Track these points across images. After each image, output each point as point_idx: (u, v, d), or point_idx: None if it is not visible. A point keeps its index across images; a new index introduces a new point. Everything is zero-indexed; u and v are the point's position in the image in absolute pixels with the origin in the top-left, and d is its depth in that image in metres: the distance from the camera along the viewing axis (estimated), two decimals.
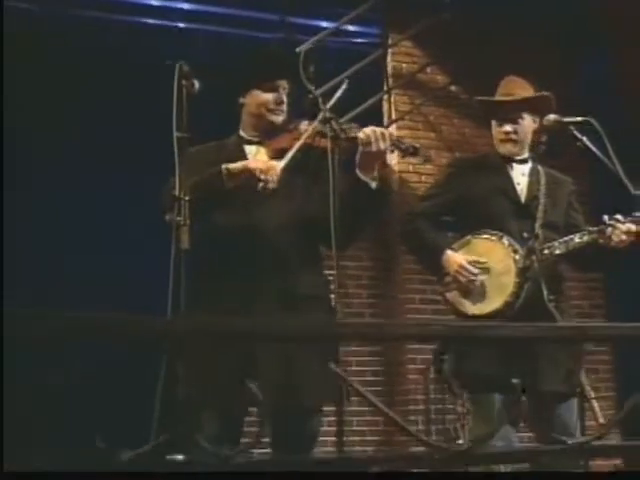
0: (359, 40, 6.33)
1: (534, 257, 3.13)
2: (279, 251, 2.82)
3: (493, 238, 3.19)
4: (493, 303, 3.13)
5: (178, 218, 2.25)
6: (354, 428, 5.45)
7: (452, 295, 3.24)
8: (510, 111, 3.30)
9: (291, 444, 2.74)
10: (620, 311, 6.28)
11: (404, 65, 6.24)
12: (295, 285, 2.83)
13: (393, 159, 6.16)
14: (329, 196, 2.60)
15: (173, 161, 2.42)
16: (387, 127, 6.09)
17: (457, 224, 3.40)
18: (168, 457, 2.52)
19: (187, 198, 2.29)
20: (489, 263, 3.17)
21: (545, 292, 3.08)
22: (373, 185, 2.81)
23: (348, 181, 2.78)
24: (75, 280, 4.75)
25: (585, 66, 6.62)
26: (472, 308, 3.19)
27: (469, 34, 6.12)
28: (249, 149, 2.97)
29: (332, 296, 2.85)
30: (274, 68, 2.93)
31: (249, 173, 2.74)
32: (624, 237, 3.05)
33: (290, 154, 2.73)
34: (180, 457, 2.08)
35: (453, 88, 6.30)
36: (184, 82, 2.55)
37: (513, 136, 3.29)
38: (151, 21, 5.69)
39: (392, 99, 6.16)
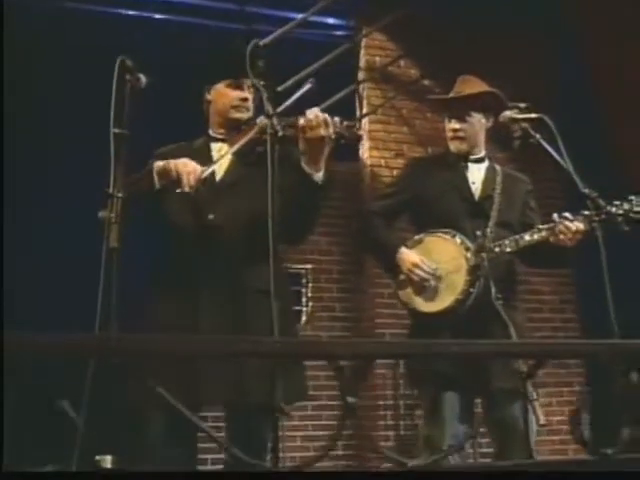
0: (333, 32, 6.30)
1: (484, 255, 3.13)
2: (230, 246, 2.81)
3: (446, 236, 3.21)
4: (444, 301, 3.14)
5: (110, 215, 2.23)
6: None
7: (404, 293, 3.27)
8: (458, 108, 3.32)
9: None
10: (590, 306, 6.30)
11: (377, 59, 6.22)
12: (245, 280, 2.80)
13: (365, 152, 6.15)
14: (274, 192, 2.52)
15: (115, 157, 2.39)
16: (359, 120, 6.09)
17: (411, 223, 3.42)
18: (97, 457, 2.54)
19: (120, 195, 2.27)
20: (441, 261, 3.19)
21: (493, 290, 3.07)
22: (318, 178, 2.73)
23: (293, 175, 2.70)
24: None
25: (563, 65, 6.62)
26: (424, 306, 3.20)
27: (443, 28, 6.10)
28: (214, 146, 2.96)
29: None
30: (238, 65, 2.82)
31: (168, 174, 2.71)
32: (571, 236, 3.04)
33: (222, 159, 2.79)
34: (108, 457, 2.09)
35: (426, 82, 6.28)
36: (128, 77, 2.52)
37: (460, 133, 3.33)
38: (122, 11, 5.66)
39: (364, 93, 6.13)
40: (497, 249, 3.14)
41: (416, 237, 3.29)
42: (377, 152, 6.08)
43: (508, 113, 3.19)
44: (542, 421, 2.74)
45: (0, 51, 4.63)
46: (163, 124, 2.98)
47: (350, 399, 1.60)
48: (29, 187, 4.82)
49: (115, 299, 2.12)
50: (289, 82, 4.91)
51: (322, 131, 2.67)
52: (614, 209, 3.12)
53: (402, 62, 6.26)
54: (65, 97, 4.86)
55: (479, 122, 3.33)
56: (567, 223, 3.05)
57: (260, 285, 2.67)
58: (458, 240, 3.18)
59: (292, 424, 5.45)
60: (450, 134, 3.36)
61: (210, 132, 3.02)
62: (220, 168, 2.86)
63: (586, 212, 3.02)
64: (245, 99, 2.93)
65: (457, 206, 3.26)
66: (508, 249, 3.15)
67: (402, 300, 3.28)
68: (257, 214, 2.67)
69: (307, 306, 6.00)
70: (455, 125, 3.34)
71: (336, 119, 2.70)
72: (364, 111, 6.09)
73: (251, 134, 2.74)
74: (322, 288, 5.97)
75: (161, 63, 3.05)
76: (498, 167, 3.39)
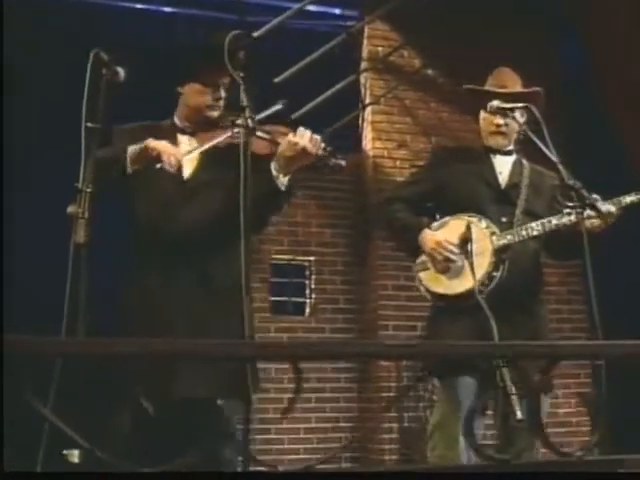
0: (338, 23, 6.25)
1: (510, 237, 3.09)
2: (198, 242, 2.81)
3: (472, 219, 3.14)
4: (466, 283, 3.06)
5: (78, 210, 2.21)
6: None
7: (425, 275, 3.18)
8: (505, 103, 3.23)
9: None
10: (599, 298, 6.24)
11: (380, 49, 6.17)
12: (213, 275, 2.82)
13: (368, 143, 6.12)
14: (247, 190, 2.53)
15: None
16: (363, 110, 6.07)
17: (436, 211, 3.34)
18: (65, 451, 2.54)
19: (89, 190, 2.25)
20: (465, 242, 3.11)
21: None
22: (282, 184, 2.78)
23: (260, 178, 2.68)
24: None
25: (563, 51, 6.56)
26: (445, 286, 3.13)
27: (445, 18, 6.05)
28: (182, 138, 2.92)
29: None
30: (215, 63, 2.77)
31: (147, 153, 2.69)
32: (602, 220, 2.97)
33: (200, 149, 2.77)
34: (75, 451, 2.08)
35: (430, 72, 6.23)
36: (104, 71, 2.50)
37: (504, 129, 3.24)
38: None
39: (367, 83, 6.09)
40: (524, 232, 3.08)
41: (441, 220, 3.23)
42: (380, 143, 6.04)
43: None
44: (519, 416, 2.69)
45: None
46: (146, 117, 2.93)
47: None
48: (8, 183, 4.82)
49: (84, 297, 2.11)
50: (287, 73, 4.92)
51: (308, 144, 2.73)
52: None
53: (405, 52, 6.21)
54: (44, 90, 4.86)
55: (519, 118, 3.26)
56: (598, 205, 2.98)
57: (229, 282, 2.69)
58: (484, 223, 3.13)
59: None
60: (492, 129, 3.24)
61: (177, 121, 2.98)
62: (188, 164, 2.84)
63: (570, 204, 2.96)
64: (219, 98, 2.91)
65: (483, 193, 3.21)
66: (535, 232, 3.08)
67: (422, 283, 3.19)
68: (225, 212, 2.72)
69: (310, 298, 5.99)
70: (500, 120, 3.23)
71: (323, 144, 2.76)
72: (367, 101, 6.05)
73: (225, 136, 2.77)
74: (325, 280, 5.95)
75: (151, 55, 3.03)
76: (525, 161, 3.33)
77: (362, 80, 6.14)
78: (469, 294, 3.01)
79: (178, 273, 2.79)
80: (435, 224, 3.23)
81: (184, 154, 2.72)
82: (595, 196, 2.94)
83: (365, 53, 6.17)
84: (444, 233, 3.16)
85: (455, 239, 3.11)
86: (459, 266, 3.09)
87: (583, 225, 2.84)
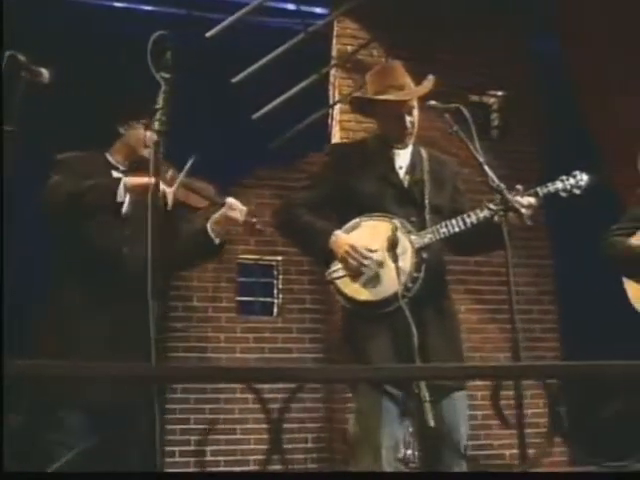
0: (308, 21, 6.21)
1: (430, 236, 3.00)
2: (136, 280, 2.87)
3: (384, 220, 3.02)
4: (390, 287, 2.91)
5: None
6: None
7: (342, 282, 2.99)
8: (411, 105, 3.17)
9: None
10: (570, 299, 6.22)
11: (349, 48, 6.13)
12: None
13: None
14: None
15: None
16: (331, 108, 6.03)
17: (337, 215, 3.18)
18: None
19: None
20: (382, 245, 2.96)
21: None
22: (217, 240, 3.18)
23: (196, 233, 3.18)
24: None
25: (535, 46, 6.53)
26: (365, 294, 2.95)
27: (416, 17, 6.04)
28: (115, 175, 3.15)
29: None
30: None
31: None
32: (530, 211, 2.92)
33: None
34: None
35: None
36: (23, 74, 2.47)
37: (411, 129, 3.18)
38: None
39: (336, 82, 6.06)
40: (444, 229, 3.00)
41: (351, 222, 3.06)
42: (348, 142, 6.00)
43: (433, 102, 3.08)
44: (431, 423, 2.65)
45: None
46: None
47: None
48: None
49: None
50: (246, 72, 4.89)
51: (239, 216, 3.14)
52: (560, 184, 3.09)
53: (375, 51, 6.17)
54: None
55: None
56: (519, 198, 2.94)
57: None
58: (398, 223, 3.00)
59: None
60: (410, 129, 3.15)
61: (110, 158, 3.23)
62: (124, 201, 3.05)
63: (492, 205, 2.93)
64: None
65: (386, 193, 3.10)
66: (456, 229, 3.00)
67: (340, 291, 3.00)
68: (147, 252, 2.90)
69: (278, 298, 5.96)
70: (413, 119, 3.16)
71: (245, 208, 3.16)
72: (335, 100, 6.02)
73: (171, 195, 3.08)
74: (292, 280, 5.92)
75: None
76: (423, 150, 3.25)
77: (331, 79, 6.12)
78: (393, 299, 2.89)
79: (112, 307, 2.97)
80: (346, 226, 3.06)
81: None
82: (517, 198, 2.91)
83: (334, 52, 6.13)
84: (359, 235, 3.02)
85: (372, 241, 2.98)
86: (379, 270, 2.95)
87: (504, 226, 2.81)
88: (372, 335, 2.94)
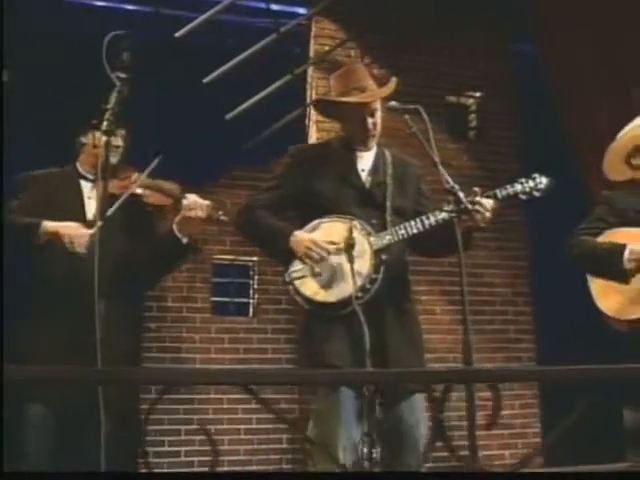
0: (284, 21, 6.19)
1: (389, 237, 3.01)
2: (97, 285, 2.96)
3: (344, 221, 3.02)
4: (346, 289, 2.91)
5: None
6: None
7: (301, 282, 3.00)
8: (373, 107, 3.18)
9: None
10: (546, 300, 6.23)
11: (327, 48, 6.12)
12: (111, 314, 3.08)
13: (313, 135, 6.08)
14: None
15: None
16: (308, 107, 6.03)
17: (299, 216, 3.20)
18: None
19: None
20: (342, 245, 2.96)
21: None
22: (184, 240, 3.28)
23: (164, 234, 3.29)
24: None
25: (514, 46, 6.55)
26: (323, 295, 2.96)
27: (393, 15, 6.04)
28: (85, 184, 3.31)
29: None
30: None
31: (58, 237, 3.08)
32: (486, 213, 2.94)
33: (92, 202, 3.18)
34: None
35: (376, 72, 6.18)
36: None
37: (374, 131, 3.19)
38: None
39: (313, 82, 6.05)
40: (402, 231, 3.01)
41: (311, 223, 3.07)
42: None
43: (393, 103, 3.09)
44: (382, 425, 2.67)
45: None
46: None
47: None
48: None
49: None
50: (217, 72, 4.87)
51: (199, 213, 3.23)
52: (519, 187, 3.10)
53: (352, 52, 6.17)
54: None
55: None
56: (478, 199, 2.95)
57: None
58: (358, 225, 3.01)
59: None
60: (373, 131, 3.19)
61: (79, 168, 3.38)
62: (90, 209, 3.22)
63: (447, 207, 2.93)
64: (117, 147, 3.33)
65: (347, 195, 3.11)
66: (414, 230, 3.01)
67: (299, 292, 3.00)
68: (120, 258, 3.20)
69: (253, 298, 5.95)
70: (376, 121, 3.20)
71: (208, 202, 3.26)
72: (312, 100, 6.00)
73: (130, 191, 3.22)
74: (268, 280, 5.90)
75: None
76: (387, 151, 3.26)
77: (308, 79, 6.11)
78: (349, 300, 2.89)
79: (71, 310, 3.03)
80: (306, 227, 3.07)
81: (89, 234, 3.08)
82: (475, 199, 2.91)
83: (312, 52, 6.12)
84: (317, 236, 3.02)
85: (331, 242, 2.98)
86: (338, 271, 2.95)
87: (459, 229, 2.81)
88: (329, 336, 2.95)
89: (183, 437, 5.50)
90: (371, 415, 2.92)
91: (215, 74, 4.52)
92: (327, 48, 6.12)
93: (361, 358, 2.74)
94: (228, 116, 4.88)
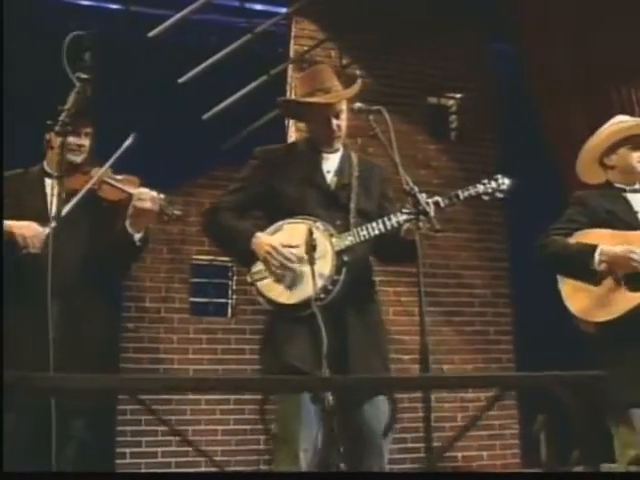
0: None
1: (351, 238, 3.00)
2: (62, 278, 2.99)
3: (307, 222, 3.01)
4: (307, 290, 2.88)
5: None
6: None
7: (264, 283, 3.02)
8: (338, 108, 3.16)
9: None
10: (525, 300, 6.23)
11: (306, 49, 6.12)
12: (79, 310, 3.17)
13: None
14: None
15: None
16: None
17: (264, 217, 3.20)
18: None
19: None
20: (304, 247, 2.92)
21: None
22: (137, 239, 3.23)
23: (117, 231, 3.22)
24: None
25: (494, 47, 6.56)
26: (285, 296, 2.95)
27: (373, 15, 6.05)
28: (48, 182, 3.29)
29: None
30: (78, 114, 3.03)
31: (12, 237, 3.08)
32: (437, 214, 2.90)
33: (65, 209, 3.13)
34: None
35: (357, 72, 6.19)
36: None
37: (339, 132, 3.18)
38: None
39: (293, 83, 6.04)
40: (364, 232, 3.00)
41: (275, 225, 3.07)
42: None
43: (358, 104, 3.08)
44: (335, 430, 2.66)
45: None
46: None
47: None
48: None
49: None
50: (194, 72, 4.86)
51: (149, 205, 3.17)
52: (482, 188, 3.10)
53: (333, 52, 6.17)
54: None
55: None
56: (430, 213, 2.93)
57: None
58: (321, 226, 3.00)
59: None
60: (338, 132, 3.16)
61: (45, 166, 3.37)
62: (54, 206, 3.11)
63: (405, 210, 2.93)
64: (81, 145, 3.34)
65: (312, 196, 3.10)
66: (376, 231, 3.00)
67: (262, 293, 3.02)
68: (80, 253, 3.23)
69: (232, 299, 5.93)
70: (341, 122, 3.17)
71: (162, 196, 3.20)
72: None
73: (87, 187, 3.22)
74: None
75: None
76: (353, 154, 3.25)
77: (288, 79, 6.11)
78: (308, 302, 2.85)
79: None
80: (269, 229, 3.07)
81: (45, 233, 3.05)
82: (434, 199, 2.91)
83: (291, 53, 6.12)
84: (280, 237, 3.03)
85: (293, 243, 2.97)
86: (299, 272, 2.94)
87: (416, 232, 2.80)
88: (291, 337, 2.93)
89: (160, 437, 5.49)
90: (332, 417, 2.91)
91: (191, 74, 4.51)
92: (307, 49, 6.13)
93: (319, 361, 2.71)
94: (205, 116, 4.87)
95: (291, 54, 6.12)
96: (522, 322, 6.22)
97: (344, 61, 6.18)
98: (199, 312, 5.88)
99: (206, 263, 5.91)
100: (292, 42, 6.14)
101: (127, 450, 5.52)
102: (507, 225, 6.30)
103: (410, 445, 5.49)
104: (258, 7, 6.29)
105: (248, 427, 5.71)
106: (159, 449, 5.54)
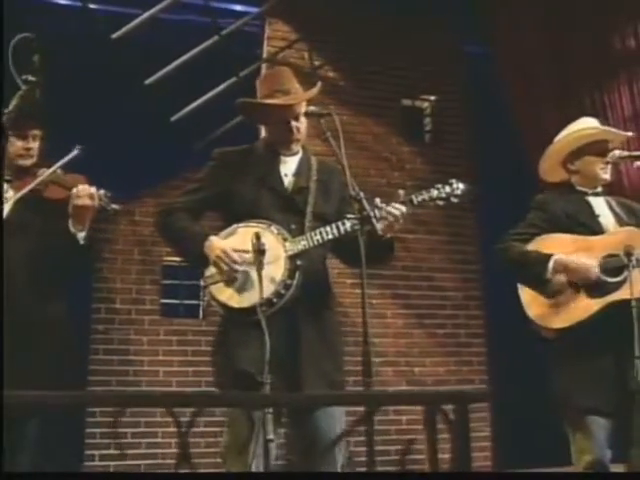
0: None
1: (304, 243, 2.98)
2: (19, 283, 3.11)
3: (261, 226, 2.98)
4: (258, 294, 2.82)
5: None
6: None
7: (216, 287, 2.98)
8: (297, 110, 3.14)
9: None
10: (496, 303, 6.24)
11: (278, 50, 6.12)
12: (31, 313, 3.15)
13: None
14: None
15: None
16: None
17: (219, 220, 3.17)
18: None
19: None
20: (256, 251, 2.87)
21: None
22: (81, 237, 3.20)
23: (60, 231, 3.18)
24: None
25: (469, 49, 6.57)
26: (235, 300, 2.93)
27: (348, 16, 6.05)
28: (5, 187, 3.26)
29: None
30: (24, 119, 3.14)
31: None
32: (398, 219, 2.93)
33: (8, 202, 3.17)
34: None
35: (331, 74, 6.19)
36: None
37: (297, 135, 3.16)
38: None
39: None
40: (317, 236, 2.98)
41: (228, 229, 3.05)
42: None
43: (312, 108, 3.06)
44: (269, 436, 2.64)
45: None
46: None
47: None
48: None
49: None
50: (160, 73, 4.84)
51: (87, 201, 3.15)
52: (435, 192, 3.08)
53: (306, 54, 6.16)
54: None
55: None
56: (389, 209, 2.93)
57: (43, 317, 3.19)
58: (275, 230, 2.98)
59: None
60: (297, 135, 3.11)
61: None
62: (7, 210, 3.18)
63: (350, 215, 2.91)
64: (29, 149, 3.32)
65: (267, 199, 3.07)
66: (330, 236, 2.97)
67: (214, 297, 2.98)
68: (33, 256, 3.20)
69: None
70: (299, 124, 3.12)
71: (101, 192, 3.19)
72: None
73: (31, 186, 3.21)
74: None
75: None
76: (313, 157, 3.22)
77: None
78: (265, 305, 2.84)
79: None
80: (223, 232, 3.04)
81: None
82: (378, 205, 2.90)
83: (265, 54, 6.11)
84: (232, 241, 2.99)
85: (244, 247, 2.94)
86: (250, 276, 2.91)
87: (361, 237, 2.78)
88: (242, 342, 2.91)
89: (130, 440, 5.47)
90: (280, 422, 2.94)
91: (158, 75, 4.49)
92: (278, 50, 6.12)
93: (263, 367, 2.70)
94: (173, 118, 4.85)
95: (264, 55, 6.11)
96: (493, 325, 6.22)
97: (317, 62, 6.18)
98: (170, 313, 5.86)
99: (177, 264, 5.88)
100: (265, 43, 6.13)
101: (96, 452, 5.50)
102: (478, 228, 6.30)
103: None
104: (237, 7, 6.29)
105: (218, 429, 5.69)
106: (128, 451, 5.53)
